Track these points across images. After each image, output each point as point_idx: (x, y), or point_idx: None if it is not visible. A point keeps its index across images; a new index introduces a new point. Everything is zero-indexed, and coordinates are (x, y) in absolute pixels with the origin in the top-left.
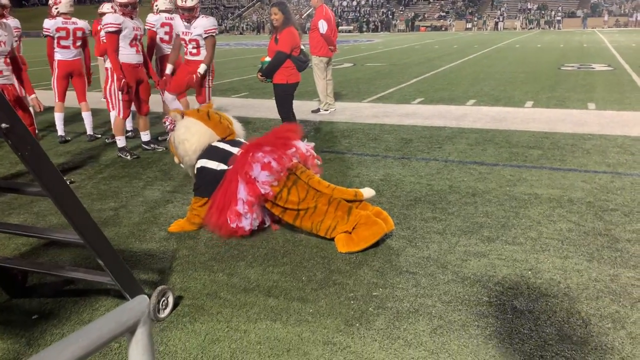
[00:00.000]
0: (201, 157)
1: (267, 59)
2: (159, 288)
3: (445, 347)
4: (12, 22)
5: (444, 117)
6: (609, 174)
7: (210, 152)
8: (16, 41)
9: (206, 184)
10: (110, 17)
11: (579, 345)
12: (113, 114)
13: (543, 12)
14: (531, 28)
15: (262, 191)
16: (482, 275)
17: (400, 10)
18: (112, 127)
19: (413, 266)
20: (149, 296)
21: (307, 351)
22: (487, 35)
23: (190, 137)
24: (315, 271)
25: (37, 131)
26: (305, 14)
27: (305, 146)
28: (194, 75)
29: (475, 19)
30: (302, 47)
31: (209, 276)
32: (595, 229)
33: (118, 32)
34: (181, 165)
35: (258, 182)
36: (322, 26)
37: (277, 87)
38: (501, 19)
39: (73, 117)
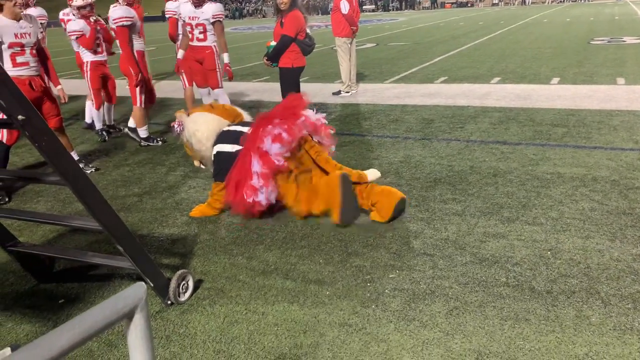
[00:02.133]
0: (216, 142)
1: (273, 43)
2: (179, 272)
3: (461, 328)
4: (37, 10)
5: (467, 96)
6: (636, 151)
7: (223, 136)
8: (41, 32)
9: (224, 167)
10: (121, 10)
11: (597, 326)
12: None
13: None
14: (561, 1)
15: (276, 162)
16: (501, 257)
17: None
18: (133, 118)
19: (431, 248)
20: (169, 280)
21: (323, 332)
22: (515, 10)
23: (199, 126)
24: (332, 254)
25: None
26: None
27: (314, 115)
28: (228, 70)
29: None
30: (307, 30)
31: (229, 260)
32: (619, 207)
33: (132, 26)
34: (202, 166)
35: (271, 154)
36: (344, 6)
37: (283, 71)
38: None
39: None
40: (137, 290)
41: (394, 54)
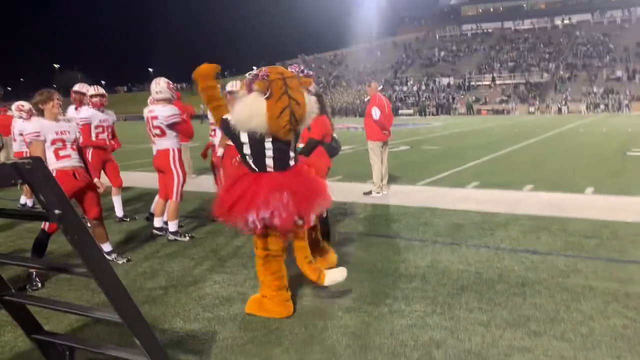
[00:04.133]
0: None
1: (300, 145)
2: None
3: None
4: (110, 114)
5: (499, 202)
6: None
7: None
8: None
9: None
10: (172, 108)
11: None
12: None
13: (610, 95)
14: (597, 112)
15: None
16: None
17: (461, 95)
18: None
19: (453, 359)
20: None
21: None
22: (550, 119)
23: (241, 113)
24: None
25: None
26: (366, 99)
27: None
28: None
29: (538, 102)
30: (334, 135)
31: None
32: None
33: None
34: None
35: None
36: (375, 113)
37: None
38: (565, 103)
39: (139, 197)
40: None
41: (427, 157)
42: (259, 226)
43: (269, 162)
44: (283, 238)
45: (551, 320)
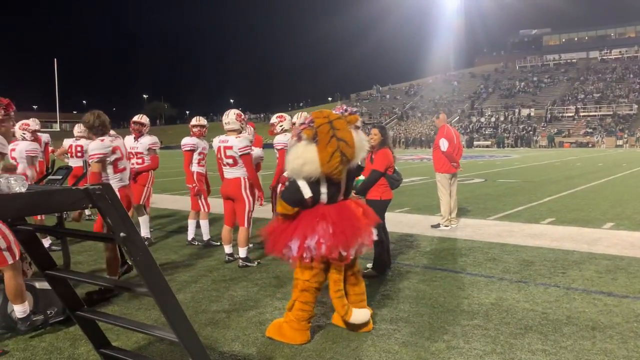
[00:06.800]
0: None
1: (361, 177)
2: None
3: None
4: (151, 139)
5: (575, 240)
6: None
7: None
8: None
9: (293, 198)
10: (246, 140)
11: None
12: None
13: None
14: None
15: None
16: None
17: (542, 127)
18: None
19: None
20: None
21: None
22: None
23: (293, 162)
24: None
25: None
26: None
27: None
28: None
29: (627, 135)
30: (395, 167)
31: None
32: None
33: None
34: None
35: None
36: (443, 144)
37: (371, 203)
38: None
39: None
40: None
41: (502, 190)
42: (306, 255)
43: (323, 201)
44: (342, 264)
45: None
